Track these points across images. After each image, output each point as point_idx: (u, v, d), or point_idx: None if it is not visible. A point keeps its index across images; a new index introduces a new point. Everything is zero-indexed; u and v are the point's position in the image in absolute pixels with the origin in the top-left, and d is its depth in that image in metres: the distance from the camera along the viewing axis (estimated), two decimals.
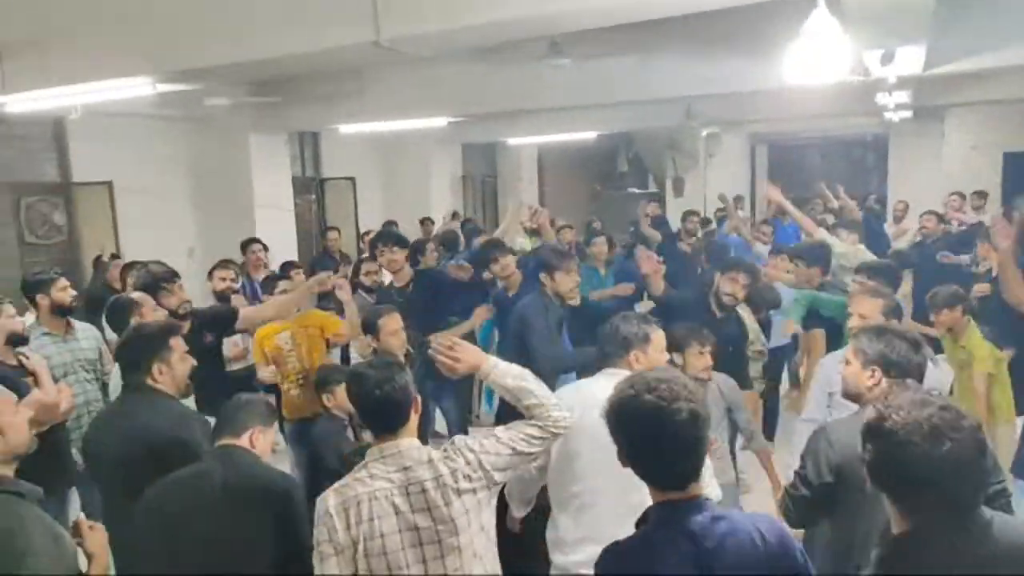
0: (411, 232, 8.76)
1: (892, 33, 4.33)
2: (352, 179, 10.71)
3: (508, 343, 4.21)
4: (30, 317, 4.23)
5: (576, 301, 4.19)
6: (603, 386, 2.45)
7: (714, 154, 14.02)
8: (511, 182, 13.45)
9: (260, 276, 6.50)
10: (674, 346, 3.31)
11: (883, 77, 5.79)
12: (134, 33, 4.07)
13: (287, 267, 6.53)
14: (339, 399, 3.56)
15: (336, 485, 2.12)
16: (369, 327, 3.83)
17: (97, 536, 2.10)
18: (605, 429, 2.29)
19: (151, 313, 3.55)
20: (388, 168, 11.20)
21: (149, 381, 2.72)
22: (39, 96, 4.72)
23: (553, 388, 2.63)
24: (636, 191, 15.24)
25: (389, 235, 5.71)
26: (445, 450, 2.13)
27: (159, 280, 3.86)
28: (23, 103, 4.93)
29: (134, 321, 3.39)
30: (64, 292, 4.07)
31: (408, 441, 2.13)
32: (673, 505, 1.69)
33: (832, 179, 16.37)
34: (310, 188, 10.18)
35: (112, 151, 7.50)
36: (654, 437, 1.68)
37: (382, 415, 2.14)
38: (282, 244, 7.97)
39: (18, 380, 3.38)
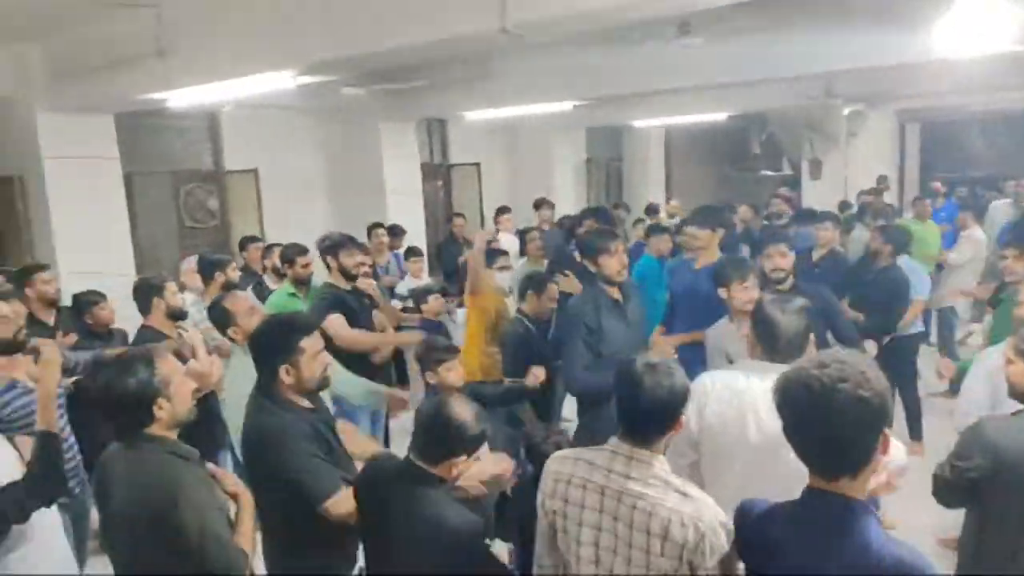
0: (528, 217, 8.80)
1: None
2: (477, 165, 10.91)
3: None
4: (189, 296, 4.65)
5: (623, 278, 3.81)
6: (762, 375, 2.41)
7: (857, 133, 13.15)
8: (637, 165, 13.23)
9: (383, 259, 6.83)
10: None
11: None
12: (278, 30, 4.34)
13: (410, 253, 6.85)
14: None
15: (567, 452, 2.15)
16: (527, 289, 4.27)
17: (229, 480, 2.30)
18: (757, 421, 2.33)
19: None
20: (512, 153, 11.32)
21: (274, 384, 2.55)
22: (197, 91, 5.12)
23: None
24: (769, 173, 14.60)
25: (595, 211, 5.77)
26: (699, 518, 1.89)
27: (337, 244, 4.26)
28: (183, 98, 5.37)
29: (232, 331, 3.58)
30: (236, 272, 4.65)
31: (647, 454, 1.98)
32: (817, 494, 1.62)
33: (995, 159, 15.20)
34: (437, 174, 10.45)
35: (257, 141, 8.05)
36: (808, 414, 1.58)
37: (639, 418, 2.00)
38: (411, 229, 8.25)
39: (180, 352, 3.70)
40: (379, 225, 7.19)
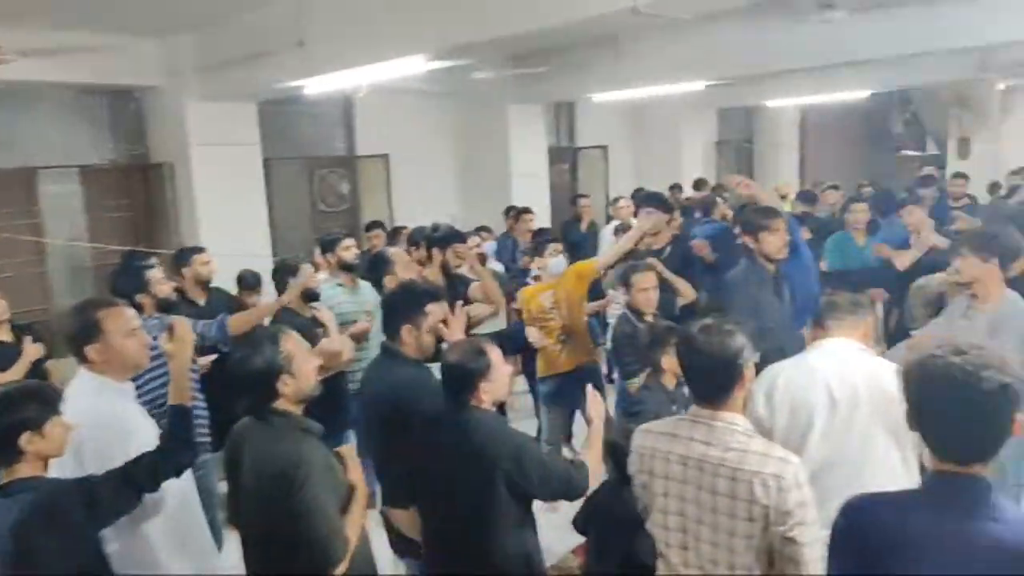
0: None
1: None
2: (604, 147, 10.83)
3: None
4: (323, 275, 4.85)
5: (783, 255, 3.82)
6: (834, 358, 2.51)
7: (1011, 110, 12.11)
8: (770, 147, 12.75)
9: (527, 240, 6.85)
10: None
11: None
12: (410, 16, 4.48)
13: (540, 234, 6.83)
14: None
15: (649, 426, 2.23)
16: (623, 280, 4.06)
17: (354, 467, 2.38)
18: (833, 404, 2.40)
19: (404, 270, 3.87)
20: (640, 136, 11.16)
21: (395, 344, 2.79)
22: (333, 78, 5.35)
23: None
24: (912, 153, 13.72)
25: (652, 196, 5.67)
26: (781, 476, 1.95)
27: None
28: (320, 85, 5.63)
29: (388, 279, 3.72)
30: (348, 251, 4.62)
31: (727, 415, 2.06)
32: (948, 478, 1.58)
33: None
34: (564, 157, 10.45)
35: (389, 126, 8.32)
36: (945, 400, 1.56)
37: (704, 380, 2.10)
38: (537, 211, 8.29)
39: (312, 330, 3.87)
40: (527, 211, 7.15)
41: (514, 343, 4.61)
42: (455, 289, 4.34)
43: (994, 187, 9.29)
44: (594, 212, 8.77)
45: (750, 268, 3.85)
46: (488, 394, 2.41)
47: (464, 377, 2.40)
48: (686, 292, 4.79)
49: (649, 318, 3.96)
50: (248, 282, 4.99)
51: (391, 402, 2.68)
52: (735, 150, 12.77)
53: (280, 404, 2.25)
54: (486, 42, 4.37)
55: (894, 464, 2.39)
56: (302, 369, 2.28)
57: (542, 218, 8.50)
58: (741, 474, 1.95)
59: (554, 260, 4.68)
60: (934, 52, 6.85)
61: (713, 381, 2.05)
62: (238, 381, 2.25)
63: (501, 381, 2.46)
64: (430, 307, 2.77)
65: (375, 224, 6.59)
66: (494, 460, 2.31)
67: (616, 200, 8.30)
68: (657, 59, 7.10)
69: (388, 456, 2.73)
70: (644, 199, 5.50)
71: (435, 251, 4.45)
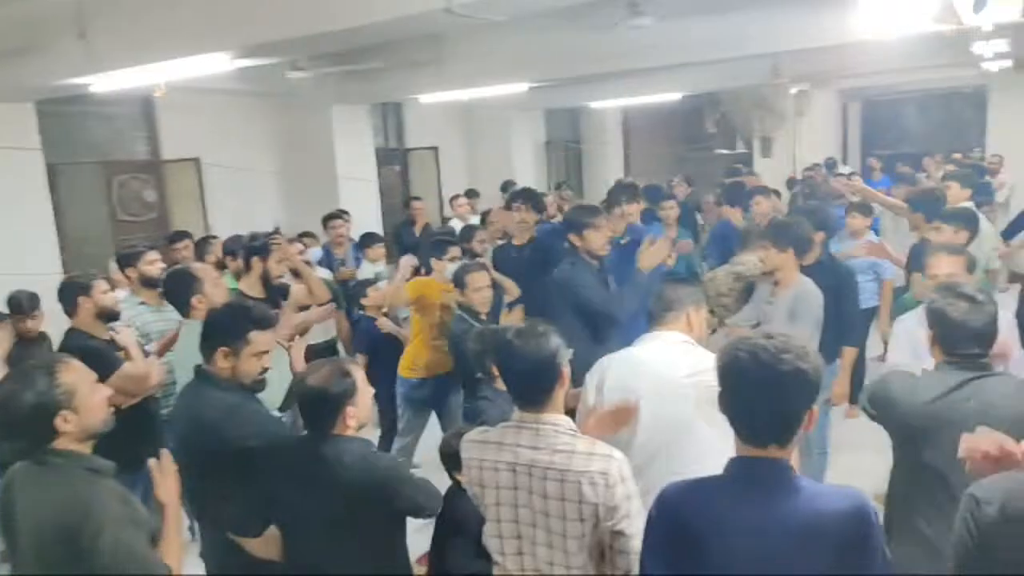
0: (492, 199, 8.71)
1: None
2: (435, 148, 10.74)
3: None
4: (121, 293, 4.39)
5: (606, 252, 4.02)
6: (658, 349, 2.59)
7: (803, 112, 13.37)
8: (596, 147, 13.19)
9: (342, 251, 6.60)
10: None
11: (977, 26, 5.46)
12: (209, 10, 4.14)
13: (367, 239, 6.62)
14: None
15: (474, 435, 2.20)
16: (457, 281, 4.08)
17: (169, 483, 2.13)
18: (662, 396, 2.46)
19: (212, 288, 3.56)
20: (470, 137, 11.17)
21: (211, 368, 2.60)
22: (123, 75, 4.85)
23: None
24: (724, 152, 14.75)
25: (525, 192, 5.67)
26: (606, 473, 1.99)
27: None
28: (109, 82, 5.10)
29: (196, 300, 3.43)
30: (152, 265, 4.23)
31: (551, 417, 2.08)
32: (748, 461, 1.67)
33: (929, 135, 15.68)
34: (394, 159, 10.25)
35: (199, 128, 7.73)
36: (746, 381, 1.64)
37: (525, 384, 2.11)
38: (366, 215, 8.09)
39: (111, 354, 3.50)
40: (338, 215, 6.89)
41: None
42: (275, 301, 4.13)
43: (791, 182, 10.17)
44: (428, 214, 8.67)
45: (576, 265, 3.92)
46: (354, 419, 2.30)
47: (329, 403, 2.25)
48: (511, 291, 4.84)
49: (483, 317, 4.01)
50: (21, 305, 4.27)
51: (202, 431, 2.48)
52: (564, 150, 13.12)
53: (61, 443, 1.99)
54: (294, 41, 4.13)
55: (718, 454, 2.44)
56: (87, 402, 2.04)
57: (374, 222, 8.29)
58: (569, 475, 1.97)
59: (452, 266, 4.63)
60: (734, 58, 7.35)
61: (533, 384, 2.07)
62: (5, 423, 1.99)
63: (365, 403, 2.36)
64: (254, 335, 2.59)
65: (181, 234, 6.06)
66: (367, 491, 2.20)
67: (455, 198, 8.27)
68: (481, 60, 7.11)
69: (202, 488, 2.50)
70: (517, 195, 5.47)
71: (255, 261, 4.21)
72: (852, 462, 4.22)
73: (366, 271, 6.24)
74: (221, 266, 5.10)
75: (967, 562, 1.57)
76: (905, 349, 3.17)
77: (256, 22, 4.00)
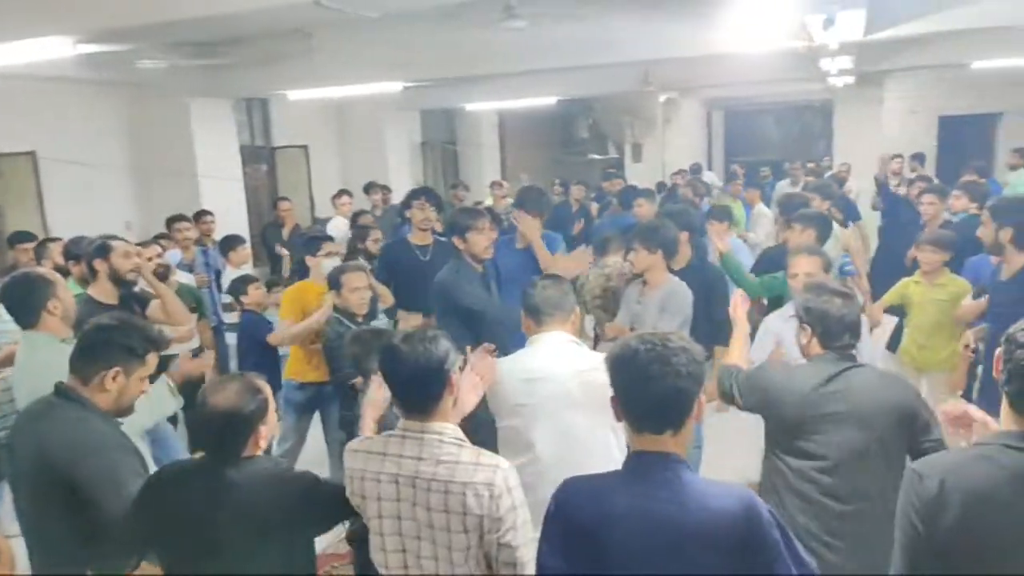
0: (363, 201, 8.51)
1: None
2: (305, 147, 10.37)
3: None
4: None
5: (490, 255, 3.98)
6: (550, 352, 2.60)
7: (671, 120, 13.95)
8: (472, 149, 13.19)
9: (189, 255, 6.21)
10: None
11: (825, 43, 5.91)
12: None
13: (231, 241, 6.27)
14: None
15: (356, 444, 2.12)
16: (333, 283, 3.94)
17: None
18: (552, 398, 2.50)
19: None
20: (343, 136, 10.87)
21: (85, 389, 2.36)
22: None
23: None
24: (597, 157, 15.13)
25: (426, 190, 5.45)
26: (491, 484, 1.93)
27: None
28: None
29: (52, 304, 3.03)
30: None
31: (437, 425, 2.01)
32: (643, 456, 1.73)
33: (784, 144, 16.85)
34: (260, 157, 9.81)
35: (35, 119, 6.99)
36: (636, 377, 1.71)
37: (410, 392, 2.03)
38: (231, 216, 7.67)
39: None
40: (181, 218, 6.48)
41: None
42: (131, 309, 3.79)
43: (660, 187, 10.58)
44: (297, 215, 8.36)
45: (459, 268, 3.86)
46: (265, 439, 2.14)
47: (241, 424, 2.05)
48: (385, 297, 4.73)
49: (360, 319, 3.91)
50: None
51: (59, 458, 2.21)
52: (440, 151, 13.03)
53: None
54: (142, 27, 3.82)
55: (613, 454, 2.50)
56: None
57: (239, 223, 7.90)
58: (453, 487, 1.93)
59: (328, 262, 4.43)
60: (606, 64, 7.53)
61: (420, 392, 2.00)
62: None
63: (273, 419, 2.19)
64: (151, 357, 2.43)
65: (23, 235, 5.53)
66: (281, 515, 2.05)
67: (338, 195, 7.98)
68: (353, 57, 6.91)
69: (51, 521, 2.27)
70: (418, 193, 5.26)
71: (97, 263, 3.81)
72: (723, 455, 4.32)
73: (229, 276, 5.93)
74: (62, 272, 4.65)
75: (912, 537, 1.63)
76: (770, 347, 3.34)
77: (101, 6, 3.67)
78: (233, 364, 5.61)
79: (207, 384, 2.13)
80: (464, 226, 3.85)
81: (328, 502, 2.15)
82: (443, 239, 5.25)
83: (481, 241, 3.85)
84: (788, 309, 3.37)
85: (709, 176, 12.26)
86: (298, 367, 4.40)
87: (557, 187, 10.18)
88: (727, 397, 2.65)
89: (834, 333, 2.42)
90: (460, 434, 2.04)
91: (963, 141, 12.24)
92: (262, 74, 7.28)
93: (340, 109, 10.31)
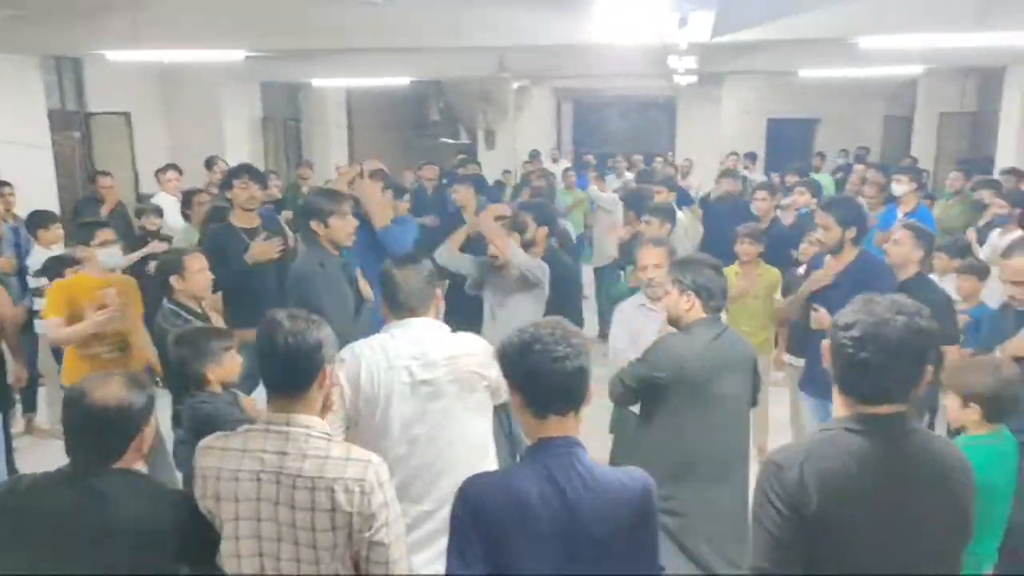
0: (197, 177, 7.80)
1: None
2: (127, 115, 9.41)
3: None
4: None
5: (351, 243, 3.73)
6: (407, 338, 2.48)
7: (524, 107, 14.05)
8: (318, 126, 12.59)
9: None
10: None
11: (676, 42, 6.20)
12: None
13: (40, 218, 5.51)
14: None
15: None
16: (172, 267, 3.47)
17: None
18: (414, 384, 2.41)
19: None
20: (172, 104, 9.94)
21: None
22: None
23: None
24: (448, 141, 14.95)
25: (249, 168, 4.91)
26: (363, 479, 1.84)
27: None
28: None
29: None
30: None
31: (304, 419, 1.89)
32: (544, 443, 1.78)
33: (630, 137, 17.56)
34: (72, 123, 8.77)
35: None
36: (531, 365, 1.76)
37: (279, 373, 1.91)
38: (38, 188, 6.84)
39: None
40: None
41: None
42: None
43: (505, 173, 10.64)
44: (120, 191, 7.52)
45: (318, 256, 3.55)
46: (146, 445, 1.99)
47: (123, 426, 1.90)
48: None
49: (201, 307, 3.49)
50: None
51: None
52: (283, 127, 12.35)
53: None
54: None
55: (482, 439, 2.51)
56: None
57: (47, 196, 7.02)
58: (321, 482, 1.83)
59: (105, 251, 3.94)
60: (462, 48, 7.39)
61: (288, 378, 1.90)
62: None
63: (152, 426, 2.02)
64: None
65: None
66: (159, 537, 1.87)
67: (164, 170, 7.15)
68: (186, 19, 6.31)
69: None
70: (240, 171, 4.71)
71: None
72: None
73: (38, 257, 5.20)
74: None
75: (780, 526, 1.66)
76: (625, 335, 3.45)
77: None
78: (44, 356, 5.03)
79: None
80: (327, 210, 3.53)
81: (201, 531, 1.93)
82: (271, 219, 4.97)
83: (345, 227, 3.57)
84: (638, 298, 3.57)
85: (562, 165, 12.41)
86: (75, 374, 3.74)
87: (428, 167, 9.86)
88: (623, 396, 2.89)
89: (715, 297, 2.79)
90: (329, 429, 1.94)
91: (787, 142, 13.29)
92: (77, 30, 6.50)
93: (169, 74, 9.43)
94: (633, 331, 3.38)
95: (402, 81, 10.71)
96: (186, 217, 5.98)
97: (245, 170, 4.73)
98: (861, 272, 3.53)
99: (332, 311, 3.29)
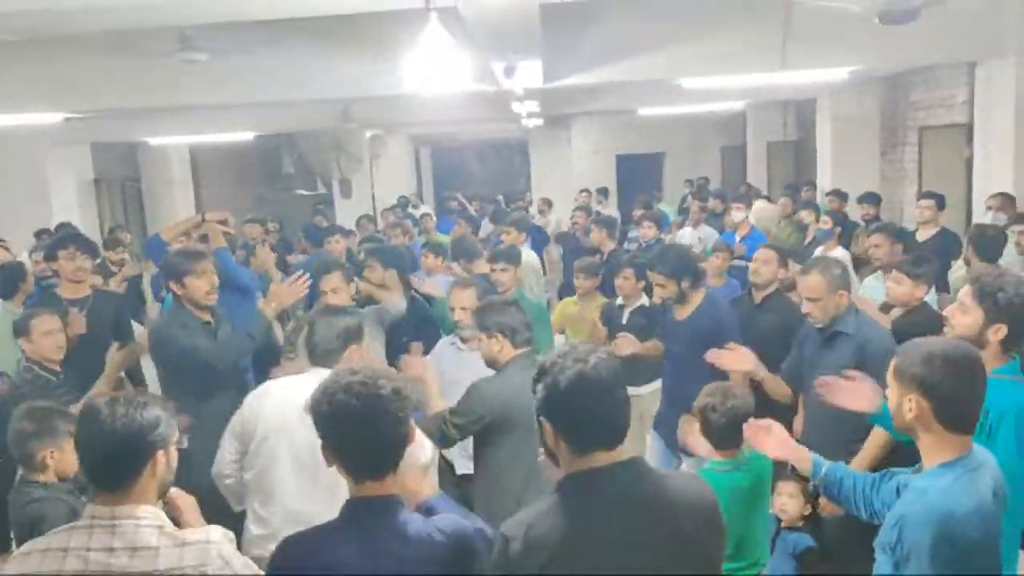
0: (25, 245, 7.17)
1: (507, 47, 4.75)
2: None
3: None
4: None
5: (213, 300, 3.64)
6: (293, 388, 2.50)
7: (379, 155, 14.01)
8: (160, 186, 11.94)
9: None
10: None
11: (511, 89, 6.45)
12: None
13: None
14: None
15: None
16: (20, 329, 3.52)
17: None
18: (299, 432, 2.38)
19: None
20: None
21: None
22: None
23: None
24: (305, 193, 14.65)
25: (76, 237, 4.62)
26: (204, 565, 1.72)
27: None
28: None
29: None
30: None
31: (131, 509, 1.75)
32: (361, 503, 1.72)
33: (489, 179, 17.88)
34: None
35: None
36: (356, 418, 1.69)
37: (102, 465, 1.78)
38: None
39: None
40: None
41: None
42: None
43: (367, 219, 10.53)
44: None
45: (179, 316, 3.51)
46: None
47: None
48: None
49: (58, 371, 3.50)
50: None
51: None
52: (120, 189, 11.66)
53: None
54: None
55: None
56: None
57: None
58: None
59: None
60: (304, 100, 7.29)
61: (111, 468, 1.75)
62: None
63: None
64: None
65: None
66: None
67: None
68: (3, 83, 5.93)
69: None
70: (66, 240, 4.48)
71: None
72: None
73: None
74: None
75: None
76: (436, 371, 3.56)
77: None
78: None
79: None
80: (180, 271, 3.47)
81: None
82: (103, 289, 4.83)
83: (202, 286, 3.47)
84: (452, 338, 3.80)
85: (422, 210, 12.37)
86: None
87: (272, 224, 9.51)
88: (445, 440, 2.85)
89: (520, 332, 2.87)
90: (163, 519, 1.79)
91: (637, 176, 13.94)
92: None
93: None
94: (445, 369, 3.53)
95: (246, 136, 10.39)
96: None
97: (71, 240, 4.45)
98: (703, 316, 3.70)
99: (191, 369, 3.34)
